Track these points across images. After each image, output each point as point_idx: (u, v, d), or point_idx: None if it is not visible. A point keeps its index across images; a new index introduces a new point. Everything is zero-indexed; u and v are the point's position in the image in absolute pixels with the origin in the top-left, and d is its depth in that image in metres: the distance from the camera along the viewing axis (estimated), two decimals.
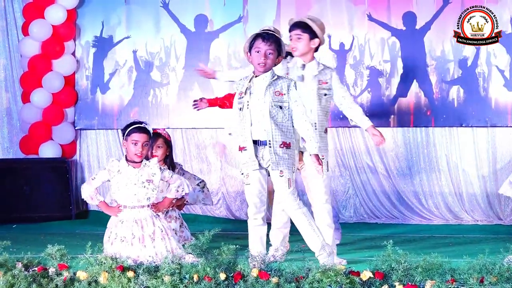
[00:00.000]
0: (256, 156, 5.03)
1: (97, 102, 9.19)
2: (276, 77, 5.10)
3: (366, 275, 4.14)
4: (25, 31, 9.03)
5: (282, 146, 5.03)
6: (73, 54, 9.22)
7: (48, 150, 8.96)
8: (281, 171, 5.02)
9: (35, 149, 8.97)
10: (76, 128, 9.23)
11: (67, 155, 9.12)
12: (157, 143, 6.17)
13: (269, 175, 5.13)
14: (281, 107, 5.03)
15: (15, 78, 9.35)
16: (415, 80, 8.53)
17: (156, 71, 9.06)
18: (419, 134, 8.62)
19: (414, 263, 4.14)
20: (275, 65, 5.15)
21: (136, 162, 5.33)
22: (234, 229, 7.78)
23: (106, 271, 4.25)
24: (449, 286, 4.05)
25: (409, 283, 4.08)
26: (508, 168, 8.28)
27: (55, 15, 8.93)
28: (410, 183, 8.59)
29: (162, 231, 5.28)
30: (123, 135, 5.37)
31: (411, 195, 8.56)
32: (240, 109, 5.06)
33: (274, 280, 4.15)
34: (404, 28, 8.56)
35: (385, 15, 8.60)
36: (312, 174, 5.44)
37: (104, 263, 4.28)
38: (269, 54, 5.02)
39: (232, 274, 4.20)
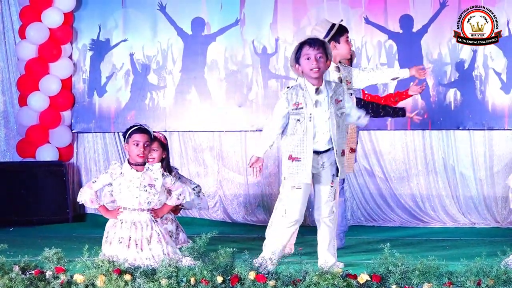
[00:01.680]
0: (313, 166, 5.04)
1: (94, 105, 9.17)
2: (334, 84, 5.13)
3: (363, 278, 4.15)
4: (22, 34, 9.02)
5: (342, 154, 5.12)
6: (70, 57, 9.20)
7: (45, 154, 8.94)
8: (332, 181, 5.10)
9: (32, 153, 8.95)
10: (73, 131, 9.21)
11: (64, 158, 9.11)
12: (152, 146, 6.16)
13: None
14: (341, 114, 5.10)
15: (12, 81, 9.33)
16: (412, 83, 8.50)
17: (153, 74, 9.04)
18: (416, 137, 8.61)
19: (411, 266, 4.14)
20: (326, 69, 5.16)
21: (139, 165, 5.33)
22: (231, 232, 7.78)
23: (103, 274, 4.25)
24: None
25: (406, 286, 4.08)
26: (505, 171, 8.28)
27: (52, 18, 8.92)
28: (407, 186, 8.58)
29: (159, 235, 5.29)
30: (124, 139, 5.39)
31: (408, 198, 8.55)
32: (298, 120, 5.03)
33: (271, 283, 4.15)
34: (401, 31, 8.56)
35: (382, 18, 8.60)
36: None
37: (101, 266, 4.28)
38: (320, 58, 5.02)
39: (229, 277, 4.20)
